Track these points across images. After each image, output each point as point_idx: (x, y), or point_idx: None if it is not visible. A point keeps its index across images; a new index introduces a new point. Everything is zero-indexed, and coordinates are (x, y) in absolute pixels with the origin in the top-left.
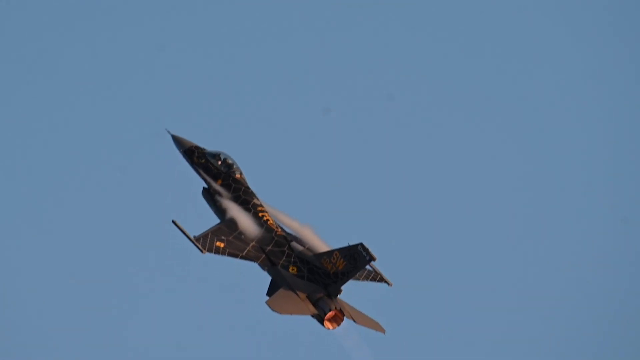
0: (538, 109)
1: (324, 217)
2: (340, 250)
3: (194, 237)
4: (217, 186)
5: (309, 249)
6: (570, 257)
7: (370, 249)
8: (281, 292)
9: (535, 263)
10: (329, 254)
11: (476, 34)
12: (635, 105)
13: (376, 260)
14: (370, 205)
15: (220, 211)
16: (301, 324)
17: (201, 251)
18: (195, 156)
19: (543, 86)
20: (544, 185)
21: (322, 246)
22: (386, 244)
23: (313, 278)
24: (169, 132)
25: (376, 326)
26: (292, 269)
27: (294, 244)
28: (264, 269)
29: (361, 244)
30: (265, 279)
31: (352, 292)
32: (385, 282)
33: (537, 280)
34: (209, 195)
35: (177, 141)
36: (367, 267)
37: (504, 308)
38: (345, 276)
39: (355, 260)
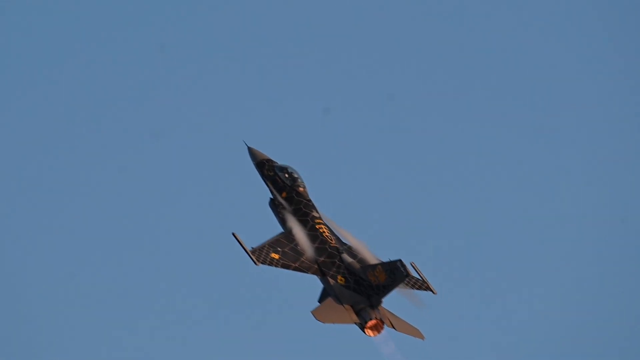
0: (538, 108)
1: (379, 229)
2: (382, 264)
3: (251, 248)
4: (281, 199)
5: (359, 261)
6: (571, 257)
7: (406, 265)
8: (326, 302)
9: (535, 263)
10: (373, 267)
11: (476, 34)
12: (635, 105)
13: (409, 277)
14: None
15: (282, 222)
16: (345, 332)
17: (255, 263)
18: (265, 169)
19: (543, 86)
20: (544, 185)
21: (371, 259)
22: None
23: (358, 289)
24: (245, 143)
25: (416, 333)
26: (340, 280)
27: (344, 255)
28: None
29: (399, 260)
30: (319, 288)
31: (395, 300)
32: (431, 290)
33: (537, 280)
34: (274, 206)
35: (252, 153)
36: (417, 275)
37: (503, 308)
38: (386, 289)
39: (394, 275)
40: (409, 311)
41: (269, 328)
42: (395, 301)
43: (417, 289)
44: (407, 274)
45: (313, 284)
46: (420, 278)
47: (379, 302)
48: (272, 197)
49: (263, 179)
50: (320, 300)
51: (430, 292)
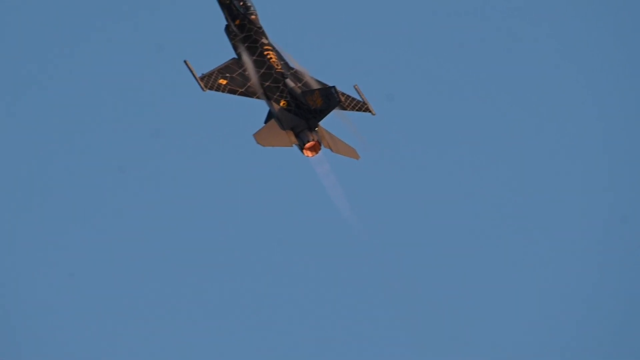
0: (538, 108)
1: (325, 64)
2: (319, 90)
3: (201, 74)
4: (234, 26)
5: (303, 85)
6: (570, 257)
7: (340, 93)
8: (268, 125)
9: (535, 263)
10: (312, 92)
11: (476, 34)
12: (635, 105)
13: (342, 103)
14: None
15: (235, 49)
16: (285, 153)
17: (202, 89)
18: None
19: (543, 86)
20: (544, 185)
21: (313, 85)
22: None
23: (299, 112)
24: None
25: (352, 153)
26: (283, 103)
27: (288, 80)
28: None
29: (334, 87)
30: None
31: (336, 121)
32: (370, 111)
33: (537, 280)
34: (229, 33)
35: None
36: (359, 98)
37: (502, 308)
38: (322, 113)
39: (329, 100)
40: (348, 134)
41: (211, 153)
42: (336, 124)
43: (357, 110)
44: (340, 100)
45: (260, 109)
46: (361, 100)
47: (316, 125)
48: (227, 24)
49: (220, 7)
50: (266, 122)
51: (370, 114)
